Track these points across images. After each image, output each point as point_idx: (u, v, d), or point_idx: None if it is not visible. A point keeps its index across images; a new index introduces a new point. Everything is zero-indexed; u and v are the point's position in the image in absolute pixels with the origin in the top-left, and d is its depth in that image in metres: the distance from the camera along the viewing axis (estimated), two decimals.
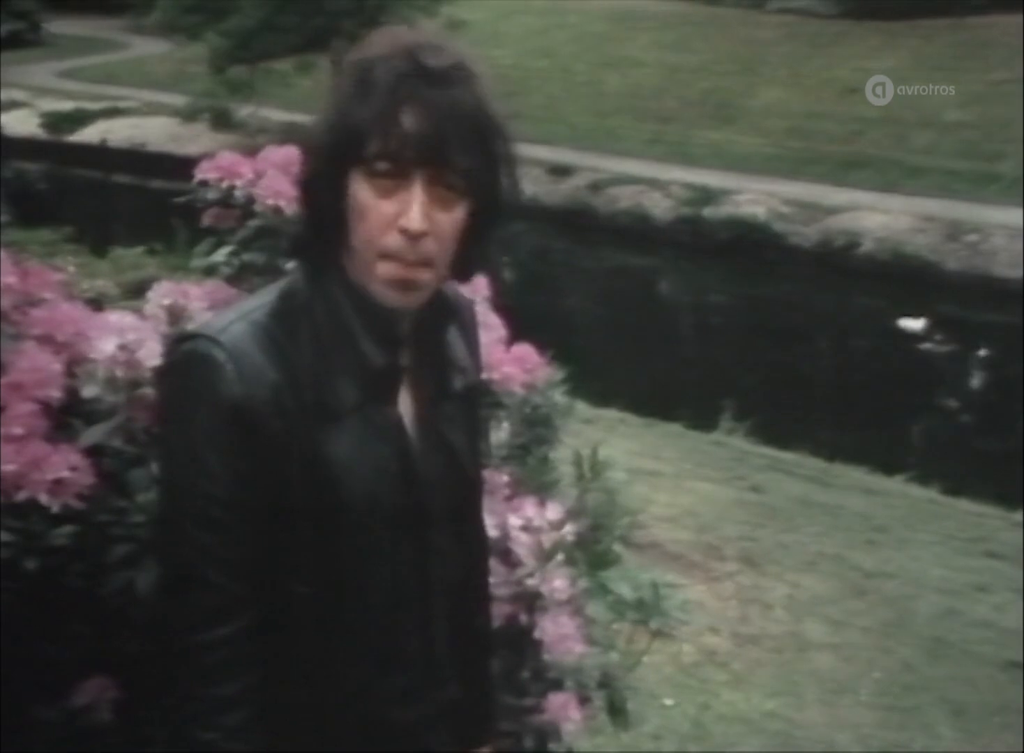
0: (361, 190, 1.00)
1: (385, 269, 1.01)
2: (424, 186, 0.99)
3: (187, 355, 1.01)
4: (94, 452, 1.16)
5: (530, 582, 1.37)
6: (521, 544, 1.37)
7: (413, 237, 0.99)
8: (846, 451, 6.35)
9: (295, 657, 1.06)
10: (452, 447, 1.12)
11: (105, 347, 1.16)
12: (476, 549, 1.22)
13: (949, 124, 14.55)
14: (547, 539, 1.37)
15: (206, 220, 1.57)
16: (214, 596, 1.00)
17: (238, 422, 0.99)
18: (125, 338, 1.17)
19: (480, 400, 1.29)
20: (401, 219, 0.99)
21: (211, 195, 1.55)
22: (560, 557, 1.39)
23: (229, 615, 1.01)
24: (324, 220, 1.03)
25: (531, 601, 1.38)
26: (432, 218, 1.00)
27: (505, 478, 1.55)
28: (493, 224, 1.06)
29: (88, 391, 1.17)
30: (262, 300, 1.06)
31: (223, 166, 1.53)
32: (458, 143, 0.99)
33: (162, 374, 1.08)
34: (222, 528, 1.00)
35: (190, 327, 1.11)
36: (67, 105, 19.50)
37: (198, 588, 1.00)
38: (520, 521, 1.39)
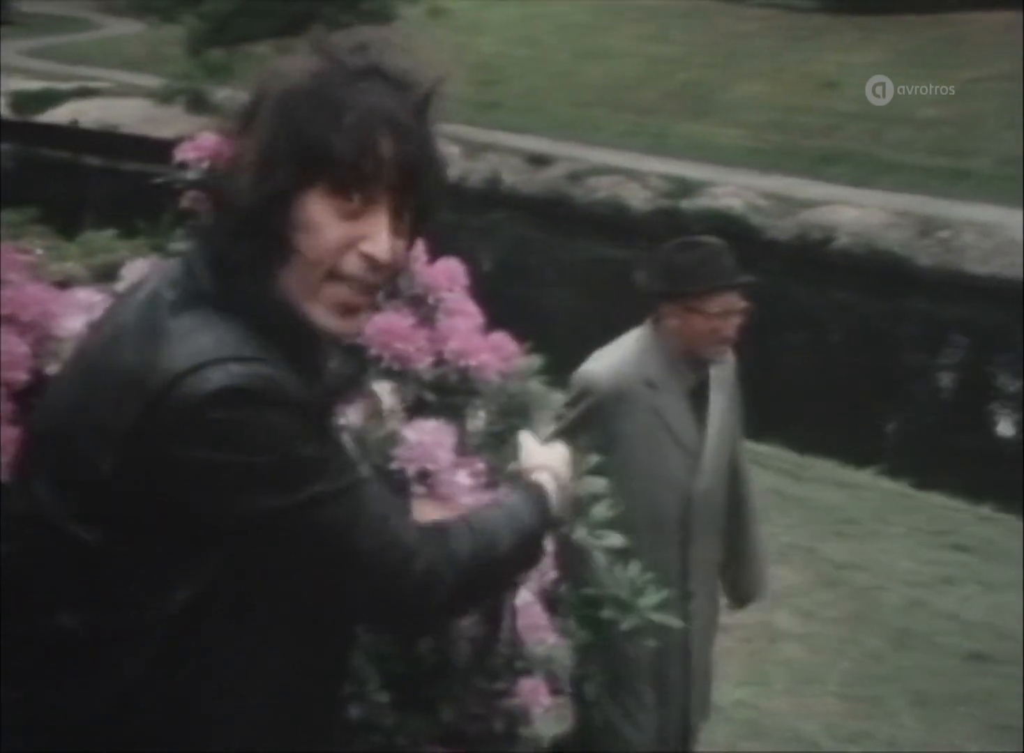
0: (318, 208, 0.93)
1: (334, 292, 0.95)
2: (389, 211, 0.95)
3: (229, 382, 0.89)
4: None
5: None
6: None
7: (376, 265, 0.95)
8: (818, 444, 6.40)
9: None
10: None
11: (72, 325, 1.14)
12: None
13: (925, 120, 14.65)
14: None
15: (185, 202, 1.55)
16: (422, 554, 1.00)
17: (309, 418, 0.94)
18: (93, 315, 1.15)
19: None
20: (365, 244, 0.94)
21: (191, 176, 1.52)
22: None
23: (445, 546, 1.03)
24: (269, 236, 0.94)
25: None
26: (393, 243, 0.96)
27: (482, 465, 1.55)
28: (428, 224, 1.03)
29: (53, 369, 1.15)
30: (200, 314, 0.93)
31: (204, 147, 1.51)
32: (427, 165, 0.96)
33: (204, 415, 0.89)
34: (377, 499, 0.99)
35: (197, 364, 0.91)
36: (35, 85, 19.16)
37: (414, 558, 0.99)
38: None
